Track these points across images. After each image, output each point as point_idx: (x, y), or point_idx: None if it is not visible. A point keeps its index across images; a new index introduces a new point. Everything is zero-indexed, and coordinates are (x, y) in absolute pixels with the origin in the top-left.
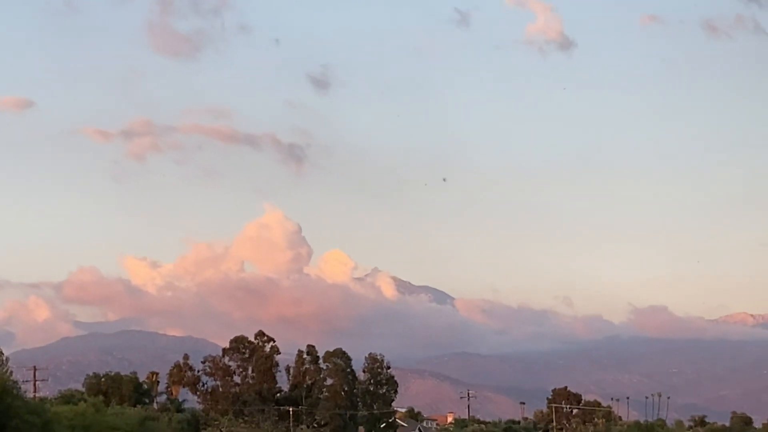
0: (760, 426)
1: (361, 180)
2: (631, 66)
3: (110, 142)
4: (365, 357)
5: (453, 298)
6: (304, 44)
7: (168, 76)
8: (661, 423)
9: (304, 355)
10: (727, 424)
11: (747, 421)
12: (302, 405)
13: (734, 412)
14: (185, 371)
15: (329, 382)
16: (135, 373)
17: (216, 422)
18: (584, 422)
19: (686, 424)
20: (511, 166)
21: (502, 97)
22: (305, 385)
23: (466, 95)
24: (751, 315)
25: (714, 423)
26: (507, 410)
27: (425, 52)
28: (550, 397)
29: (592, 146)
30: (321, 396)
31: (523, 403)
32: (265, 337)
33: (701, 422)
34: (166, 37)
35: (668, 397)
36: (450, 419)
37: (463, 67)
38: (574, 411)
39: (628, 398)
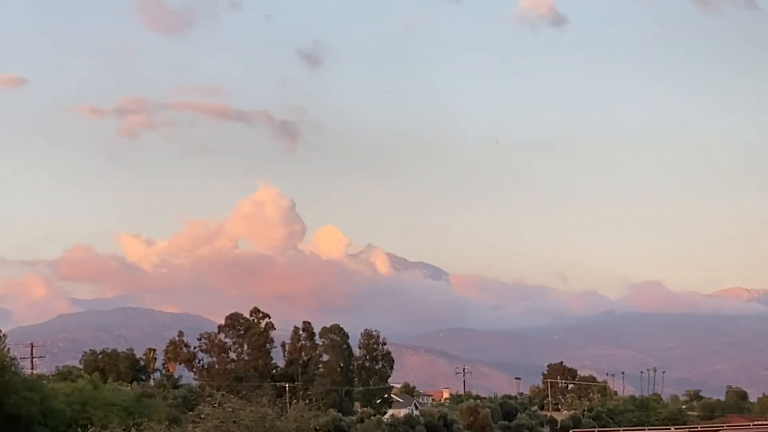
0: (755, 400)
1: (355, 156)
2: (623, 41)
3: (103, 119)
4: (361, 333)
5: (448, 274)
6: (296, 20)
7: (160, 52)
8: (656, 397)
9: (300, 332)
10: (722, 398)
11: (742, 396)
12: (298, 381)
13: (729, 387)
14: (181, 348)
15: (325, 358)
16: (131, 349)
17: (209, 398)
18: (579, 397)
19: (681, 398)
20: (505, 142)
21: (494, 73)
22: (301, 361)
23: (458, 71)
24: (746, 290)
25: (709, 397)
26: (503, 386)
27: (417, 27)
28: (545, 372)
29: (586, 122)
30: (317, 372)
31: (519, 379)
32: (261, 314)
33: (696, 396)
34: (158, 14)
35: (663, 372)
36: (446, 395)
37: (454, 42)
38: (570, 386)
39: (623, 373)
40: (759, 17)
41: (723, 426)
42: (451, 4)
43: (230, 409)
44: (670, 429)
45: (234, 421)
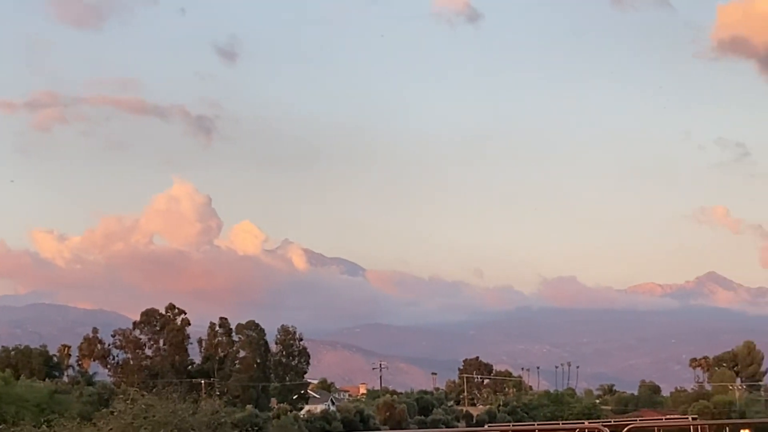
0: (668, 394)
1: (271, 151)
2: (539, 38)
3: (14, 113)
4: (277, 329)
5: (365, 270)
6: (211, 14)
7: (74, 46)
8: (571, 392)
9: (217, 328)
10: (636, 392)
11: (655, 390)
12: (214, 377)
13: (643, 381)
14: (95, 344)
15: (242, 354)
16: (45, 346)
17: (122, 396)
18: (495, 392)
19: (595, 393)
20: (423, 138)
21: (412, 69)
22: (217, 358)
23: (376, 67)
24: (659, 285)
25: (623, 392)
26: (419, 381)
27: (335, 22)
28: (461, 367)
29: (503, 118)
30: (233, 368)
31: (435, 374)
32: (176, 310)
33: (610, 391)
34: (71, 7)
35: (577, 367)
36: (362, 390)
37: (373, 38)
38: (485, 381)
39: (538, 368)
40: (672, 14)
41: (636, 420)
42: (369, 0)
43: (143, 406)
44: (583, 423)
45: (144, 417)
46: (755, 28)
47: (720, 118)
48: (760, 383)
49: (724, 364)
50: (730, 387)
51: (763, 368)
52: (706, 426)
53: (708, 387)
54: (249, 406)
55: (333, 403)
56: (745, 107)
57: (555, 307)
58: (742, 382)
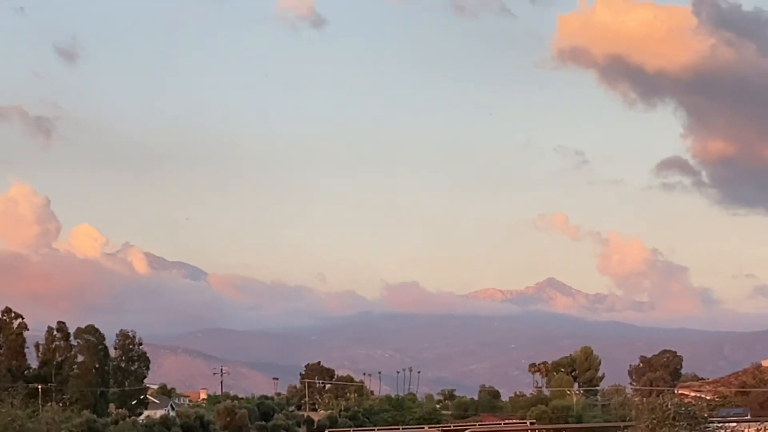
0: (507, 399)
1: (112, 153)
2: (384, 44)
3: None
4: (116, 333)
5: (207, 274)
6: (51, 14)
7: None
8: (412, 397)
9: (54, 332)
10: (476, 397)
11: (494, 395)
12: (52, 382)
13: (483, 386)
14: None
15: (80, 359)
16: None
17: None
18: (337, 397)
19: (436, 397)
20: (266, 142)
21: (256, 73)
22: (55, 362)
23: (219, 70)
24: (500, 290)
25: (463, 396)
26: (261, 386)
27: (177, 25)
28: (303, 372)
29: (346, 123)
30: (71, 373)
31: (277, 379)
32: (13, 314)
33: (450, 396)
34: None
35: (419, 372)
36: (203, 395)
37: (216, 41)
38: (327, 386)
39: (380, 373)
40: (514, 24)
41: (475, 425)
42: (213, 3)
43: None
44: (423, 428)
45: None
46: (595, 38)
47: (560, 127)
48: (596, 388)
49: (562, 369)
50: (568, 392)
51: (600, 373)
52: (544, 430)
53: (546, 392)
54: (86, 412)
55: (173, 409)
56: (585, 116)
57: (397, 312)
58: (579, 387)
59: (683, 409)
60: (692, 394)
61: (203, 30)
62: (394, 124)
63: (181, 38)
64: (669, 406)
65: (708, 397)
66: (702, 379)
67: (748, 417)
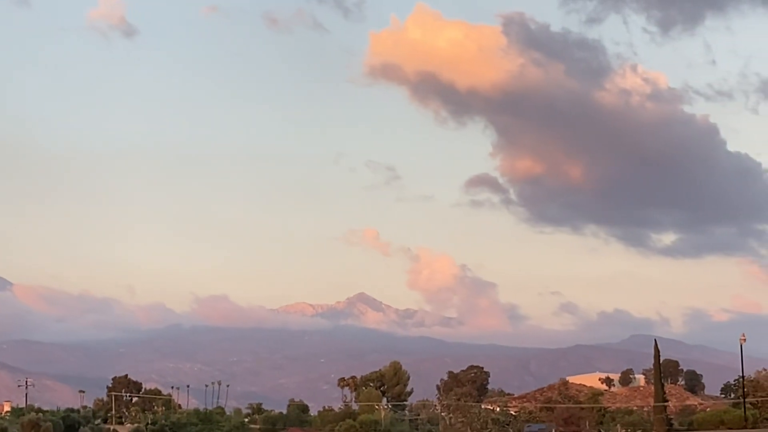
0: (316, 413)
1: None
2: (194, 55)
3: None
4: None
5: (12, 284)
6: None
7: None
8: (220, 410)
9: None
10: (285, 411)
11: (303, 409)
12: None
13: (292, 400)
14: None
15: None
16: None
17: None
18: (144, 410)
19: (244, 411)
20: (75, 150)
21: (66, 82)
22: None
23: (28, 78)
24: (311, 305)
25: (271, 410)
26: (67, 399)
27: None
28: (110, 385)
29: (157, 135)
30: None
31: (83, 392)
32: None
33: (258, 410)
34: None
35: (228, 385)
36: (7, 408)
37: (25, 49)
38: (135, 399)
39: (188, 386)
40: (327, 39)
41: None
42: (21, 8)
43: None
44: None
45: None
46: (406, 56)
47: (371, 142)
48: (405, 403)
49: (371, 384)
50: (377, 407)
51: (408, 388)
52: None
53: (355, 406)
54: None
55: None
56: (396, 131)
57: (207, 326)
58: (388, 401)
59: (493, 416)
60: (498, 409)
61: (10, 36)
62: (205, 137)
63: None
64: (481, 413)
65: (514, 412)
66: (509, 394)
67: None
